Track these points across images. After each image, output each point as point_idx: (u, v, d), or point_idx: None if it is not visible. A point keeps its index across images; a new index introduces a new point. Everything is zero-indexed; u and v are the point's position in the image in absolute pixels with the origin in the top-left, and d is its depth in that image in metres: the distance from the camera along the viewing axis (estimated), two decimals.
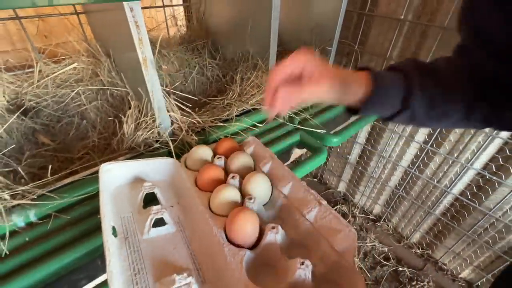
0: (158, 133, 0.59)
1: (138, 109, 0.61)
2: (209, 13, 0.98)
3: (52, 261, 0.39)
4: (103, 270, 0.43)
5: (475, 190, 1.08)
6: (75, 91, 0.71)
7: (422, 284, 1.25)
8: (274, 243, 0.35)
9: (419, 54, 1.02)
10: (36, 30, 0.89)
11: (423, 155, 1.17)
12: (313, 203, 0.38)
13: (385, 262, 1.35)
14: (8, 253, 0.39)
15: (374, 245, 1.42)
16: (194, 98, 0.65)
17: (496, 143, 0.97)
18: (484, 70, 0.37)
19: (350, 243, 0.32)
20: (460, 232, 1.18)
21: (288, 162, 0.83)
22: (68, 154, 0.63)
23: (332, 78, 0.37)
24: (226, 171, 0.50)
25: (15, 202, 0.41)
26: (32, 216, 0.43)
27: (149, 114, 0.58)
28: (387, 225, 1.50)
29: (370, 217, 1.55)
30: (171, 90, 0.60)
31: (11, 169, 0.52)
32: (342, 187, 1.69)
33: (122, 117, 0.60)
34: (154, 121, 0.58)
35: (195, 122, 0.62)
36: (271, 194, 0.45)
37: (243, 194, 0.44)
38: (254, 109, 0.75)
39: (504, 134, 0.93)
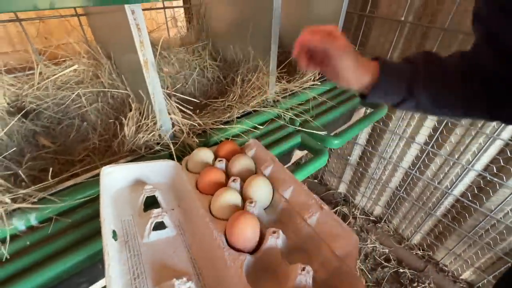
0: (159, 135, 0.59)
1: (139, 111, 0.61)
2: (209, 15, 0.97)
3: (53, 265, 0.39)
4: (104, 274, 0.43)
5: (476, 192, 1.07)
6: (76, 93, 0.71)
7: (423, 285, 1.25)
8: (274, 248, 0.35)
9: None
10: (37, 32, 0.90)
11: (423, 156, 1.17)
12: (315, 208, 0.38)
13: (386, 264, 1.35)
14: (9, 257, 0.39)
15: (375, 246, 1.41)
16: (195, 100, 0.65)
17: (497, 145, 0.97)
18: (490, 69, 0.39)
19: (351, 249, 0.32)
20: (461, 233, 1.18)
21: (289, 164, 0.83)
22: (68, 157, 0.64)
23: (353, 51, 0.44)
24: (227, 174, 0.50)
25: (16, 205, 0.41)
26: (33, 219, 0.43)
27: (150, 117, 0.58)
28: (388, 226, 1.50)
29: (371, 218, 1.55)
30: (172, 93, 0.60)
31: (11, 172, 0.52)
32: (342, 188, 1.69)
33: (123, 119, 0.60)
34: (155, 123, 0.58)
35: (196, 124, 0.62)
36: (272, 198, 0.45)
37: (244, 198, 0.44)
38: (255, 110, 0.75)
39: (505, 135, 0.93)
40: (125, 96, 0.70)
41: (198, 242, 0.41)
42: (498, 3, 0.35)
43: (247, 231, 0.36)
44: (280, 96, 0.81)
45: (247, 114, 0.74)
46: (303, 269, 0.30)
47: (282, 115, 0.77)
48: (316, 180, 1.81)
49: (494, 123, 0.93)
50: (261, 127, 0.72)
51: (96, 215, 0.47)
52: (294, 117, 0.77)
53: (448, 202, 1.20)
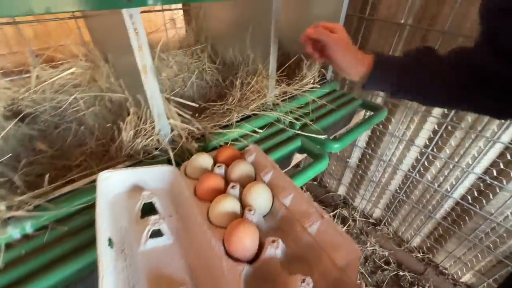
0: (158, 140, 0.58)
1: (137, 116, 0.61)
2: (208, 17, 0.97)
3: (50, 274, 0.38)
4: None
5: (476, 195, 1.07)
6: (73, 97, 0.70)
7: None
8: (274, 258, 0.34)
9: None
10: (34, 33, 0.89)
11: (423, 159, 1.16)
12: (315, 216, 0.37)
13: (385, 267, 1.34)
14: (3, 267, 0.38)
15: (375, 249, 1.41)
16: (193, 104, 0.64)
17: (497, 148, 0.97)
18: (490, 69, 0.41)
19: (353, 259, 0.32)
20: (461, 236, 1.17)
21: (289, 167, 0.82)
22: (65, 161, 0.63)
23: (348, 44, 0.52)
24: (226, 179, 0.50)
25: (11, 213, 0.41)
26: (28, 227, 0.42)
27: (148, 121, 0.57)
28: (388, 229, 1.49)
29: (371, 220, 1.54)
30: (171, 97, 0.59)
31: (7, 178, 0.51)
32: (342, 190, 1.68)
33: (121, 123, 0.60)
34: (153, 128, 0.58)
35: (195, 129, 0.61)
36: (272, 205, 0.44)
37: (243, 205, 0.44)
38: (254, 114, 0.75)
39: (505, 138, 0.93)
40: (123, 99, 0.69)
41: (195, 251, 0.40)
42: (497, 2, 0.36)
43: (246, 240, 0.36)
44: (279, 99, 0.81)
45: (246, 118, 0.74)
46: (303, 280, 0.29)
47: (282, 119, 0.77)
48: (315, 182, 1.81)
49: (494, 127, 0.92)
50: (260, 130, 0.71)
51: (93, 222, 0.46)
52: (294, 120, 0.77)
53: (448, 205, 1.19)
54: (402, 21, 0.99)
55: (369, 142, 1.37)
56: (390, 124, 1.21)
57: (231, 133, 0.66)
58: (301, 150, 0.73)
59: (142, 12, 0.46)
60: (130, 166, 0.56)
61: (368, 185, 1.47)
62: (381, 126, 1.25)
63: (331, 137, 0.74)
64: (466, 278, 1.25)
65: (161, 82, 0.85)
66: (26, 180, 0.55)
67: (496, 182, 0.98)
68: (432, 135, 1.11)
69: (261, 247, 0.37)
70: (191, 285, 0.36)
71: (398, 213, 1.41)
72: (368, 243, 1.43)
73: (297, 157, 0.80)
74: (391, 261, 1.37)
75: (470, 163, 1.04)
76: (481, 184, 1.05)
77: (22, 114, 0.65)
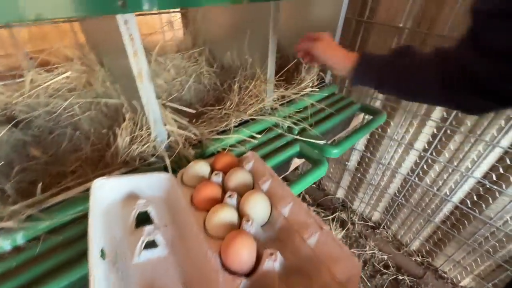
0: (154, 146, 0.57)
1: (133, 121, 0.60)
2: (206, 20, 0.96)
3: None
4: None
5: (475, 199, 1.07)
6: (68, 101, 0.69)
7: None
8: (272, 271, 0.34)
9: None
10: (29, 35, 0.87)
11: (422, 163, 1.16)
12: (314, 227, 0.36)
13: (384, 271, 1.34)
14: None
15: (374, 253, 1.40)
16: (190, 111, 0.63)
17: (497, 152, 0.96)
18: (471, 68, 0.41)
19: (353, 273, 0.31)
20: (460, 240, 1.17)
21: (288, 172, 0.81)
22: (60, 168, 0.61)
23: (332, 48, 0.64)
24: (224, 187, 0.49)
25: (1, 224, 0.39)
26: (20, 239, 0.41)
27: (144, 127, 0.56)
28: (387, 232, 1.49)
29: (369, 224, 1.54)
30: (168, 103, 0.58)
31: None
32: (340, 193, 1.67)
33: (117, 128, 0.58)
34: (149, 134, 0.56)
35: (192, 135, 0.60)
36: (270, 214, 0.43)
37: (241, 214, 0.43)
38: (252, 119, 0.74)
39: (505, 143, 0.92)
40: (119, 104, 0.68)
41: (191, 262, 0.39)
42: (486, 4, 0.36)
43: (243, 253, 0.35)
44: (278, 104, 0.80)
45: (244, 123, 0.73)
46: None
47: (280, 124, 0.76)
48: (314, 185, 1.80)
49: (493, 131, 0.92)
50: (258, 136, 0.70)
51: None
52: (292, 125, 0.76)
53: (447, 209, 1.19)
54: (401, 25, 0.99)
55: (368, 145, 1.36)
56: (389, 128, 1.21)
57: (229, 139, 0.65)
58: (299, 155, 0.72)
59: (138, 15, 0.44)
60: (126, 173, 0.55)
61: (367, 188, 1.47)
62: (380, 130, 1.25)
63: (330, 141, 0.74)
64: (466, 282, 1.25)
65: (158, 86, 0.84)
66: (19, 187, 0.53)
67: (495, 187, 0.98)
68: (431, 139, 1.10)
69: (258, 259, 0.36)
70: None
71: (397, 216, 1.41)
72: (367, 247, 1.43)
73: (296, 162, 0.79)
74: (390, 264, 1.36)
75: (470, 167, 1.03)
76: (481, 189, 1.04)
77: (16, 120, 0.64)
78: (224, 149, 0.64)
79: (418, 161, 1.19)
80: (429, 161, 1.14)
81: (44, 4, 0.32)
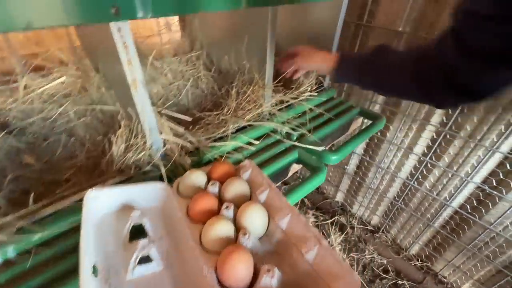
0: (150, 155, 0.56)
1: (128, 129, 0.58)
2: (204, 24, 0.95)
3: None
4: None
5: (475, 204, 1.06)
6: (63, 107, 0.68)
7: None
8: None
9: None
10: (24, 38, 0.86)
11: (422, 167, 1.15)
12: (313, 242, 0.35)
13: (384, 275, 1.33)
14: None
15: (373, 257, 1.39)
16: (187, 118, 0.62)
17: (497, 157, 0.95)
18: (452, 63, 0.43)
19: None
20: (460, 245, 1.16)
21: (286, 178, 0.80)
22: (54, 175, 0.60)
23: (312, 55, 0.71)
24: (221, 198, 0.48)
25: None
26: (11, 251, 0.40)
27: (139, 135, 0.55)
28: (386, 236, 1.48)
29: (369, 228, 1.53)
30: (163, 111, 0.57)
31: None
32: (340, 197, 1.67)
33: (112, 136, 0.57)
34: (145, 142, 0.55)
35: (188, 143, 0.59)
36: (268, 227, 0.42)
37: (238, 226, 0.42)
38: (250, 125, 0.73)
39: (504, 148, 0.92)
40: (114, 111, 0.67)
41: (186, 278, 0.38)
42: (462, 3, 0.38)
43: (239, 269, 0.34)
44: (276, 109, 0.79)
45: (242, 129, 0.72)
46: None
47: (279, 129, 0.75)
48: None
49: (493, 136, 0.91)
50: (256, 142, 0.69)
51: None
52: (290, 131, 0.75)
53: (446, 213, 1.18)
54: (400, 29, 0.98)
55: (367, 149, 1.35)
56: (388, 132, 1.20)
57: (226, 146, 0.64)
58: (298, 162, 0.71)
59: None
60: (121, 182, 0.54)
61: (366, 192, 1.46)
62: (379, 134, 1.24)
63: (328, 146, 0.73)
64: (465, 287, 1.24)
65: (155, 91, 0.83)
66: (11, 197, 0.52)
67: (495, 192, 0.97)
68: (430, 143, 1.10)
69: (256, 273, 0.35)
70: None
71: (396, 220, 1.40)
72: (367, 251, 1.42)
73: (295, 167, 0.78)
74: (390, 269, 1.35)
75: (469, 172, 1.02)
76: (480, 194, 1.04)
77: (9, 126, 0.62)
78: (221, 157, 0.63)
79: (417, 165, 1.19)
80: (429, 165, 1.14)
81: (34, 13, 0.31)
